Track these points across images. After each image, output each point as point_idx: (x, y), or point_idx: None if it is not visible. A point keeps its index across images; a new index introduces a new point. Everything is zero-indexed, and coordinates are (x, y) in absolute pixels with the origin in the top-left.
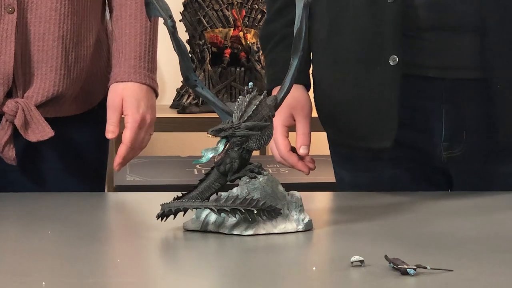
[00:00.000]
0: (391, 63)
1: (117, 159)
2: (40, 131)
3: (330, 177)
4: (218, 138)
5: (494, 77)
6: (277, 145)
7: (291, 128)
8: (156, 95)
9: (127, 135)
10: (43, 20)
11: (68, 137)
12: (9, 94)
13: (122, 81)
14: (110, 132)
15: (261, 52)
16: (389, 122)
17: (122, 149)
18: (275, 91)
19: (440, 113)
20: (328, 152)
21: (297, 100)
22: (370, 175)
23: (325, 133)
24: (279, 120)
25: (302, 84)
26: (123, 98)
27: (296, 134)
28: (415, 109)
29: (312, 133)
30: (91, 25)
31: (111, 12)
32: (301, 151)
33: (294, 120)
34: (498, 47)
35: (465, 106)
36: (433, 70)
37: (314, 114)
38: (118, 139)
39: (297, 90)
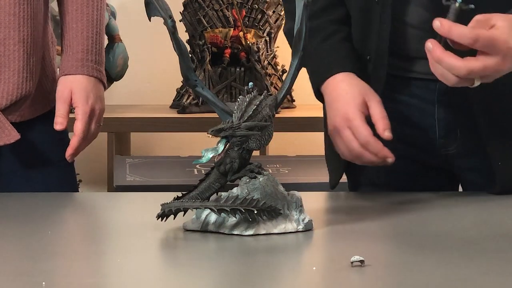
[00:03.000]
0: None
1: (69, 150)
2: (6, 134)
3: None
4: (218, 138)
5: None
6: (360, 132)
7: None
8: (104, 87)
9: (78, 127)
10: (3, 25)
11: (30, 139)
12: None
13: (70, 74)
14: (59, 123)
15: (261, 52)
16: None
17: (74, 141)
18: (337, 77)
19: (433, 112)
20: None
21: (365, 87)
22: (367, 170)
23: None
24: (355, 107)
25: (352, 72)
26: (72, 90)
27: (373, 120)
28: (410, 107)
29: (312, 133)
30: (46, 26)
31: (59, 6)
32: (386, 134)
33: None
34: None
35: (456, 106)
36: (423, 74)
37: (315, 114)
38: (118, 139)
39: (358, 79)
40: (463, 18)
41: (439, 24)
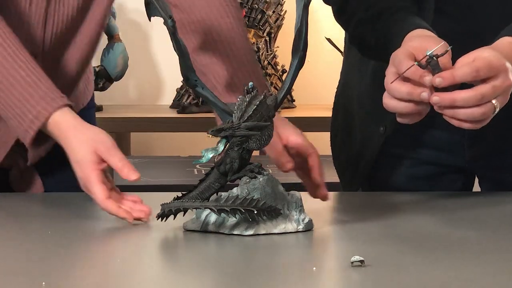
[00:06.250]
0: None
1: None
2: (35, 187)
3: (330, 177)
4: (218, 138)
5: None
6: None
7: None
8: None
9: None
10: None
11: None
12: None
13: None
14: (133, 175)
15: (261, 52)
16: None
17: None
18: (415, 32)
19: None
20: (328, 152)
21: (433, 38)
22: (388, 175)
23: (325, 133)
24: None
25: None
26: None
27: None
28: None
29: (312, 133)
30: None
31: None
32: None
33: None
34: None
35: None
36: None
37: (315, 114)
38: (118, 139)
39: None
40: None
41: (438, 99)
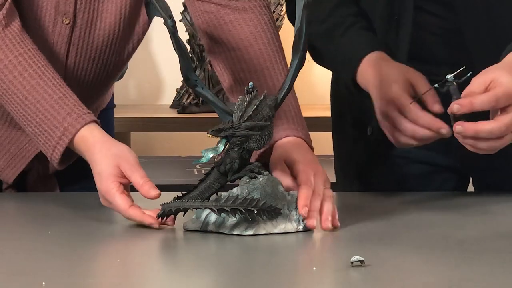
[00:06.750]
0: None
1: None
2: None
3: (331, 177)
4: (218, 138)
5: None
6: (408, 109)
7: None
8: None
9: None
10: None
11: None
12: None
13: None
14: (153, 193)
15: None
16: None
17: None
18: (372, 55)
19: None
20: (327, 152)
21: (404, 66)
22: (380, 174)
23: (325, 133)
24: (399, 88)
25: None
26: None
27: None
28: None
29: (311, 133)
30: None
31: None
32: (436, 107)
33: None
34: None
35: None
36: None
37: (315, 114)
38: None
39: (391, 60)
40: (464, 86)
41: (461, 128)
